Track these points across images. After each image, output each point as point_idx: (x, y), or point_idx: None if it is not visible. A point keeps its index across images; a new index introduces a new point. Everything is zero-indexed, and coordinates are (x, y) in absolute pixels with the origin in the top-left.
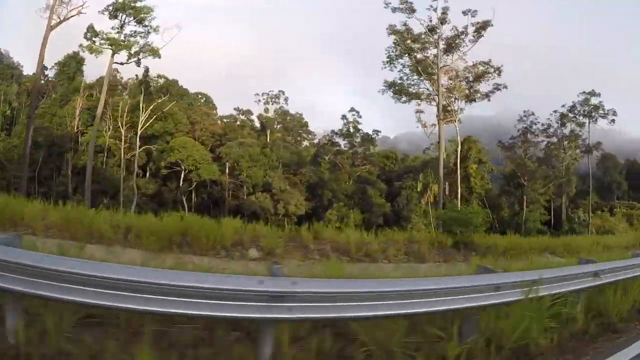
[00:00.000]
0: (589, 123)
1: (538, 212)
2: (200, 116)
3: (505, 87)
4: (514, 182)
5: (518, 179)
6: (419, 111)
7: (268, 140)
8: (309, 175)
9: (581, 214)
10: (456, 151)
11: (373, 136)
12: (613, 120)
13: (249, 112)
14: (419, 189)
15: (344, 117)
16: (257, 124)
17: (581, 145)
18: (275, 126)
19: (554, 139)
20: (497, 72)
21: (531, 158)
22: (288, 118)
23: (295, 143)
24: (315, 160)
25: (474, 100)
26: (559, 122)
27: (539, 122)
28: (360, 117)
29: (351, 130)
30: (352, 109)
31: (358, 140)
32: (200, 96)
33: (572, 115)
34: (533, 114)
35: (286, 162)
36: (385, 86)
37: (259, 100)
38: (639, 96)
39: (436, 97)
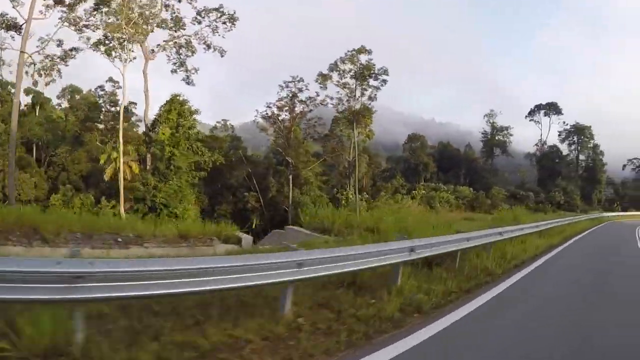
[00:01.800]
0: (356, 85)
1: (312, 194)
2: None
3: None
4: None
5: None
6: None
7: None
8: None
9: (350, 195)
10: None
11: None
12: (385, 82)
13: None
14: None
15: None
16: None
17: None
18: None
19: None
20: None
21: (310, 133)
22: None
23: None
24: None
25: None
26: (319, 83)
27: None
28: None
29: None
30: None
31: None
32: None
33: (335, 76)
34: (302, 79)
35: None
36: None
37: None
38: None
39: None
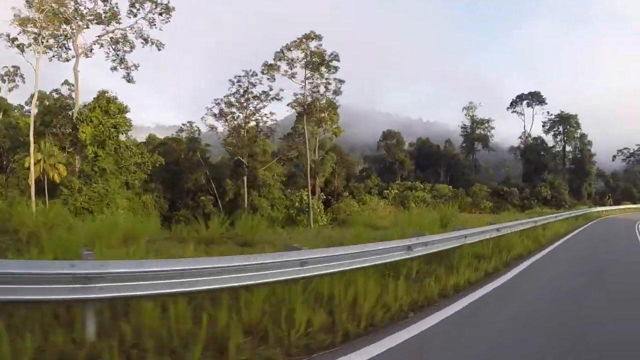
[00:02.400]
0: (307, 75)
1: (271, 197)
2: None
3: None
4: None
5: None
6: None
7: None
8: None
9: (304, 196)
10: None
11: None
12: (336, 68)
13: None
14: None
15: None
16: None
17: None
18: None
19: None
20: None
21: (264, 131)
22: None
23: None
24: None
25: None
26: (266, 74)
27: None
28: None
29: None
30: None
31: None
32: None
33: (284, 66)
34: (255, 74)
35: None
36: None
37: None
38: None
39: None
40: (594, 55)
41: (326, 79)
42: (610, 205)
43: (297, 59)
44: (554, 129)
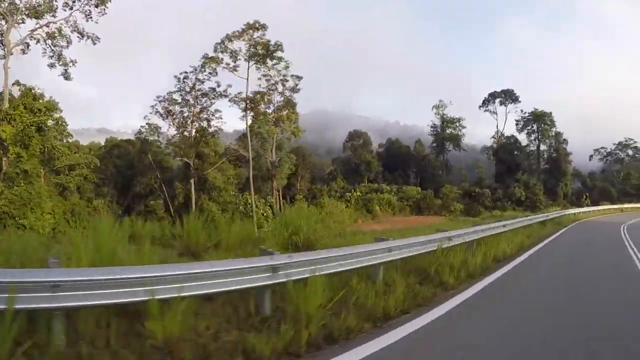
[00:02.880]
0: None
1: (222, 200)
2: None
3: None
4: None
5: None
6: None
7: None
8: None
9: (249, 199)
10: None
11: None
12: (280, 59)
13: None
14: None
15: None
16: None
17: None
18: None
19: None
20: None
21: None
22: None
23: None
24: None
25: None
26: (206, 67)
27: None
28: None
29: None
30: None
31: None
32: None
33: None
34: (204, 69)
35: None
36: None
37: None
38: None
39: None
40: (570, 56)
41: (283, 75)
42: (588, 206)
43: (240, 51)
44: (528, 128)
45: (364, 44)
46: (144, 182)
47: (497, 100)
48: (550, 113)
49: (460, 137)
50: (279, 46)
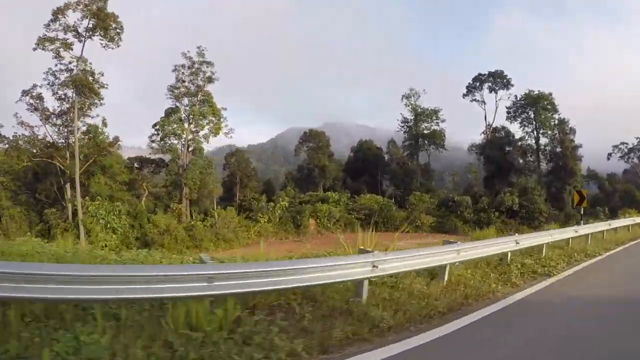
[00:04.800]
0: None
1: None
2: None
3: None
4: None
5: None
6: None
7: None
8: None
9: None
10: None
11: None
12: (119, 33)
13: None
14: None
15: None
16: None
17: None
18: None
19: None
20: None
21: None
22: None
23: None
24: None
25: None
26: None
27: None
28: None
29: None
30: None
31: None
32: None
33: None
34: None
35: None
36: None
37: None
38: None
39: None
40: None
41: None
42: (609, 218)
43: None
44: (522, 116)
45: (370, 57)
46: (44, 189)
47: (485, 86)
48: (550, 94)
49: (441, 134)
50: (115, 18)
